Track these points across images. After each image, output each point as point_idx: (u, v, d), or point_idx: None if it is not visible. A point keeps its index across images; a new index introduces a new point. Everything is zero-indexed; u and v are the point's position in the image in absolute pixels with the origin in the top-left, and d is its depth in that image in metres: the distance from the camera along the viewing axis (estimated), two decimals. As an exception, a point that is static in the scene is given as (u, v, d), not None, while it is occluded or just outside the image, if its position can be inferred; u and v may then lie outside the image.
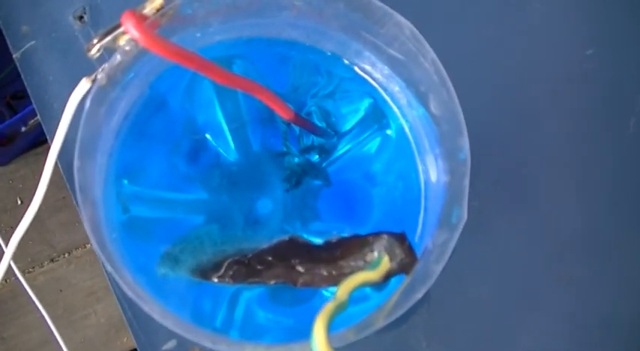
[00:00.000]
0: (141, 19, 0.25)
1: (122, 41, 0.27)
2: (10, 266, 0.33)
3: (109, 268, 0.25)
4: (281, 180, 0.34)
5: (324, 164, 0.34)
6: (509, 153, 0.38)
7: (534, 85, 0.39)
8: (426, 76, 0.26)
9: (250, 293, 0.33)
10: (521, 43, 0.39)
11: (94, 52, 0.28)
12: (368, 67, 0.30)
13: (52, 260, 0.85)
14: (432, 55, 0.25)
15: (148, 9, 0.26)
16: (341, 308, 0.25)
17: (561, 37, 0.39)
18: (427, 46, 0.25)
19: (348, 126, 0.34)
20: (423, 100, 0.27)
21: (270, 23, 0.29)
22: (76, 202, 0.27)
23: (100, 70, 0.28)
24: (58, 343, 0.47)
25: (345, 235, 0.32)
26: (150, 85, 0.32)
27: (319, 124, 0.34)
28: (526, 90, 0.39)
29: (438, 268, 0.24)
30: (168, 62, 0.26)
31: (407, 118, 0.31)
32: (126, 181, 0.33)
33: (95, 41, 0.28)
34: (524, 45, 0.39)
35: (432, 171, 0.29)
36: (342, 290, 0.25)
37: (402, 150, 0.33)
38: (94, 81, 0.29)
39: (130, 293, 0.24)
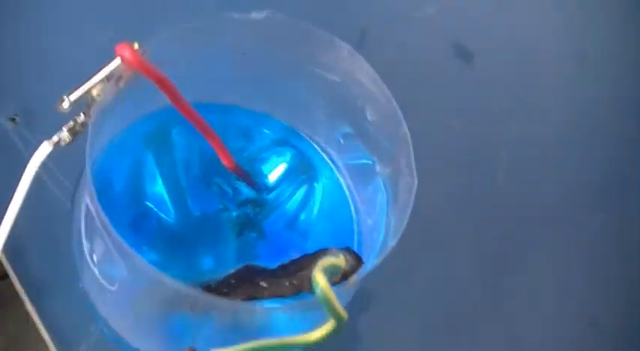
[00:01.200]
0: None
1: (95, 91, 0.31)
2: None
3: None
4: (225, 234, 0.38)
5: (258, 217, 0.39)
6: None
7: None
8: (363, 88, 0.32)
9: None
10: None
11: (67, 106, 0.32)
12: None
13: None
14: (368, 68, 0.31)
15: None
16: (333, 270, 0.29)
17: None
18: (363, 61, 0.31)
19: (277, 180, 0.39)
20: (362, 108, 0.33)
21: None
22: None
23: (62, 131, 0.31)
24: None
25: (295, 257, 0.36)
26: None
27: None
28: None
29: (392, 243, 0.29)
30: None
31: (337, 165, 0.37)
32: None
33: (65, 97, 0.32)
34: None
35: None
36: (325, 261, 0.30)
37: (332, 195, 0.38)
38: (56, 143, 0.33)
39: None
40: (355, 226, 0.37)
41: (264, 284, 0.33)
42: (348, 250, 0.34)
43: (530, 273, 0.44)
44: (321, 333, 0.29)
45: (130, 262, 0.28)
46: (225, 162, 0.35)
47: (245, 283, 0.34)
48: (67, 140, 0.31)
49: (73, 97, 0.30)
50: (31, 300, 0.37)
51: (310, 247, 0.37)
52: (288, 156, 0.38)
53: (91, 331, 0.36)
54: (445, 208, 0.45)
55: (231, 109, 0.37)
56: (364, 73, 0.31)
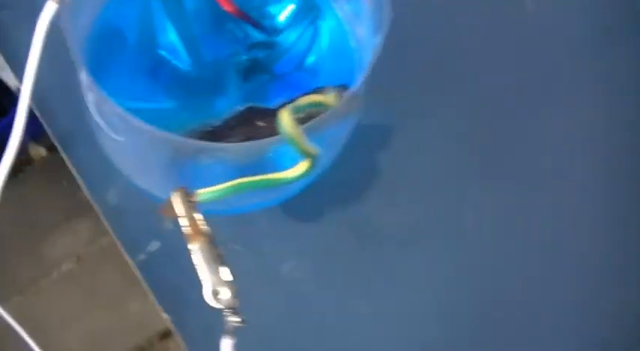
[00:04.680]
0: None
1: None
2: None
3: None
4: (235, 78, 0.39)
5: (268, 59, 0.39)
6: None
7: None
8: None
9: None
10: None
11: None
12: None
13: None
14: None
15: None
16: (298, 111, 0.30)
17: None
18: None
19: (284, 22, 0.39)
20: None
21: None
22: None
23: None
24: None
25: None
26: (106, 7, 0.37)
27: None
28: None
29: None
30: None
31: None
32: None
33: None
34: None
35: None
36: (304, 99, 0.30)
37: (336, 33, 0.38)
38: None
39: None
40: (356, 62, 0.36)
41: (261, 124, 0.34)
42: (344, 87, 0.34)
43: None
44: (297, 171, 0.29)
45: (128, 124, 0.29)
46: (224, 6, 0.35)
47: (244, 124, 0.35)
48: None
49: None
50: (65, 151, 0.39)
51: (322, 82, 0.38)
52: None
53: (118, 178, 0.37)
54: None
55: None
56: None
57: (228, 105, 0.38)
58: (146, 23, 0.39)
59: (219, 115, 0.37)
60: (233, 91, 0.38)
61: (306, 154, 0.28)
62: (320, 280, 0.39)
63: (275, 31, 0.39)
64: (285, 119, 0.27)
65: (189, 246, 0.29)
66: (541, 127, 0.43)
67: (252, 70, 0.39)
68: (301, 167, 0.29)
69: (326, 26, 0.38)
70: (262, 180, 0.30)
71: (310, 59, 0.39)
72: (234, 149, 0.30)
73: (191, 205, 0.29)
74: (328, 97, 0.31)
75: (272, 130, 0.33)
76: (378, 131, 0.41)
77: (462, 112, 0.43)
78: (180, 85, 0.38)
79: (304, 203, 0.39)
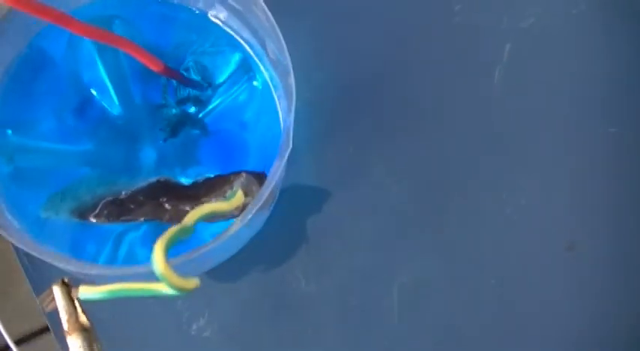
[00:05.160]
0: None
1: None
2: None
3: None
4: (159, 130, 0.37)
5: (200, 115, 0.37)
6: (385, 100, 0.41)
7: (407, 35, 0.42)
8: (260, 23, 0.29)
9: (135, 234, 0.36)
10: None
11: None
12: (226, 28, 0.33)
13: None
14: (261, 4, 0.28)
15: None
16: (185, 233, 0.28)
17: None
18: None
19: (221, 78, 0.37)
20: (263, 45, 0.30)
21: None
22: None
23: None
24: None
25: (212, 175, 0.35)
26: (29, 43, 0.35)
27: (195, 77, 0.37)
28: (400, 40, 0.42)
29: (267, 191, 0.27)
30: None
31: (268, 70, 0.34)
32: (10, 132, 0.35)
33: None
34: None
35: (280, 109, 0.32)
36: (190, 216, 0.28)
37: (266, 99, 0.36)
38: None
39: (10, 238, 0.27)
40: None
41: (167, 206, 0.33)
42: (260, 178, 0.33)
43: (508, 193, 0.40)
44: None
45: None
46: (152, 67, 0.33)
47: (151, 201, 0.33)
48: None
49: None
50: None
51: (251, 150, 0.37)
52: (235, 55, 0.35)
53: None
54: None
55: (168, 3, 0.34)
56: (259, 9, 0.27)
57: (149, 160, 0.36)
58: (76, 56, 0.36)
59: (135, 172, 0.36)
60: (161, 145, 0.36)
61: (181, 290, 0.27)
62: (230, 342, 0.39)
63: (209, 86, 0.36)
64: (157, 256, 0.26)
65: (68, 340, 0.28)
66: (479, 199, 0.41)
67: (181, 124, 0.37)
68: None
69: (258, 87, 0.35)
70: (144, 289, 0.29)
71: (242, 117, 0.37)
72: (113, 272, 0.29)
73: (71, 300, 0.28)
74: (222, 205, 0.30)
75: (175, 215, 0.31)
76: (306, 192, 0.39)
77: (397, 174, 0.41)
78: (103, 127, 0.37)
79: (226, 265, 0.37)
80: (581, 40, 0.43)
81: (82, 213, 0.34)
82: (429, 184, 0.42)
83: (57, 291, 0.29)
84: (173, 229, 0.27)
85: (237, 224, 0.28)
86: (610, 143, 0.41)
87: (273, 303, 0.40)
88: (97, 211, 0.33)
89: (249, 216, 0.27)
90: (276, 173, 0.27)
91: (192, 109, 0.37)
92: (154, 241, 0.35)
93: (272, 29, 0.27)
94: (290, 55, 0.30)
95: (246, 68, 0.36)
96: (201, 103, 0.37)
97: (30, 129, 0.36)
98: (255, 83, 0.36)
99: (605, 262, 0.41)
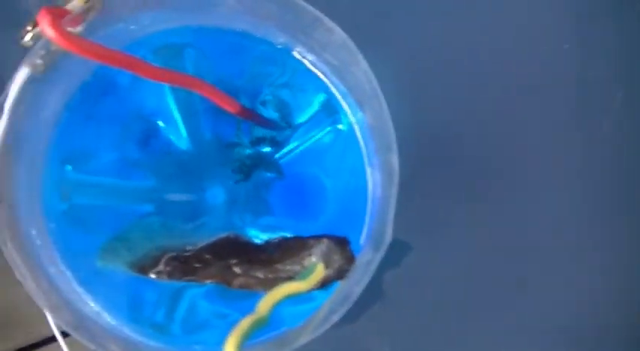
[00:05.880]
0: (59, 16, 0.23)
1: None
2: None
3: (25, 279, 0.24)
4: (231, 171, 0.33)
5: (276, 156, 0.33)
6: (471, 153, 0.37)
7: (507, 79, 0.37)
8: (359, 85, 0.25)
9: (199, 290, 0.33)
10: (496, 35, 0.37)
11: (27, 39, 0.27)
12: (312, 67, 0.29)
13: None
14: (365, 65, 0.23)
15: (75, 1, 0.25)
16: (260, 323, 0.24)
17: (538, 31, 0.37)
18: (359, 55, 0.23)
19: (301, 119, 0.33)
20: (360, 107, 0.26)
21: (212, 16, 0.28)
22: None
23: (37, 55, 0.27)
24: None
25: (288, 235, 0.31)
26: (93, 72, 0.31)
27: (273, 114, 0.33)
28: (498, 84, 0.37)
29: (358, 290, 0.23)
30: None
31: (356, 117, 0.30)
32: (69, 168, 0.32)
33: (29, 28, 0.27)
34: (499, 37, 0.37)
35: (372, 179, 0.28)
36: (264, 303, 0.25)
37: (352, 147, 0.32)
38: (33, 66, 0.28)
39: (42, 304, 0.24)
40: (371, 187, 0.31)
41: (237, 270, 0.29)
42: (342, 245, 0.29)
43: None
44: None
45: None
46: (229, 109, 0.29)
47: (219, 262, 0.30)
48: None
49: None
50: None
51: (330, 198, 0.34)
52: (319, 95, 0.31)
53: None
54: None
55: (247, 35, 0.30)
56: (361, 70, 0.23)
57: (217, 202, 0.33)
58: (143, 84, 0.33)
59: (201, 215, 0.32)
60: (231, 185, 0.32)
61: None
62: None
63: (290, 126, 0.32)
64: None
65: None
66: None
67: (254, 166, 0.33)
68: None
69: (343, 131, 0.31)
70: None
71: (322, 162, 0.33)
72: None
73: None
74: (299, 285, 0.26)
75: (246, 282, 0.28)
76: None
77: (481, 230, 0.38)
78: (168, 162, 0.33)
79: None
80: None
81: (142, 267, 0.30)
82: (518, 241, 0.38)
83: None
84: (246, 322, 0.24)
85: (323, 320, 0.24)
86: None
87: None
88: (158, 268, 0.30)
89: (335, 318, 0.23)
90: (367, 269, 0.23)
91: (267, 149, 0.33)
92: (219, 297, 0.31)
93: (374, 94, 0.23)
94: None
95: (331, 110, 0.32)
96: (277, 143, 0.33)
97: (89, 163, 0.33)
98: (339, 127, 0.31)
99: None
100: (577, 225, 0.37)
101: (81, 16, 0.25)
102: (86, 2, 0.25)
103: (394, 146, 0.24)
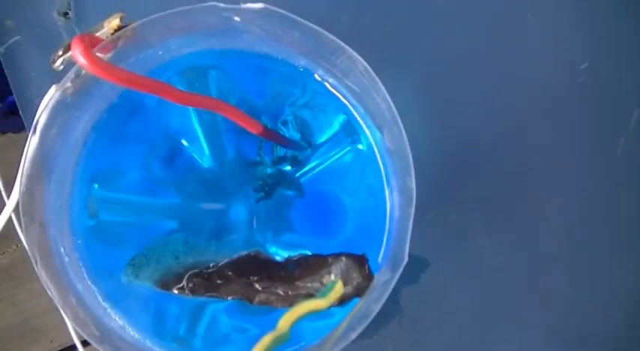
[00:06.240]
0: (91, 44, 0.24)
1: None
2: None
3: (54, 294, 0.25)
4: (253, 190, 0.34)
5: (297, 175, 0.34)
6: (493, 166, 0.37)
7: (522, 101, 0.38)
8: (379, 111, 0.25)
9: (220, 305, 0.34)
10: (513, 55, 0.38)
11: (58, 64, 0.28)
12: (333, 89, 0.30)
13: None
14: (384, 92, 0.24)
15: (105, 29, 0.26)
16: (281, 340, 0.25)
17: (554, 50, 0.38)
18: (379, 83, 0.24)
19: (322, 138, 0.34)
20: (379, 130, 0.27)
21: (237, 41, 0.29)
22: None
23: (68, 79, 0.28)
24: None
25: (309, 253, 0.32)
26: (121, 94, 0.32)
27: (294, 134, 0.34)
28: (513, 106, 0.38)
29: (376, 308, 0.24)
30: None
31: (375, 137, 0.31)
32: (96, 186, 0.33)
33: (60, 53, 0.28)
34: (516, 56, 0.38)
35: (390, 200, 0.29)
36: (284, 321, 0.26)
37: (371, 167, 0.32)
38: (63, 90, 0.29)
39: (70, 319, 0.24)
40: (389, 207, 0.32)
41: (257, 286, 0.30)
42: (361, 263, 0.29)
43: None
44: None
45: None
46: (251, 130, 0.30)
47: (240, 278, 0.31)
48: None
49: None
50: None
51: (350, 216, 0.34)
52: (339, 116, 0.32)
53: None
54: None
55: (269, 57, 0.31)
56: (381, 96, 0.24)
57: (239, 219, 0.33)
58: (168, 105, 0.34)
59: (223, 232, 0.33)
60: (252, 203, 0.33)
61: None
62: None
63: (311, 145, 0.33)
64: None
65: None
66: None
67: (276, 185, 0.34)
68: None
69: (363, 151, 0.32)
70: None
71: (342, 180, 0.34)
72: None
73: None
74: (319, 303, 0.27)
75: (266, 299, 0.29)
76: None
77: (500, 245, 0.38)
78: (191, 180, 0.34)
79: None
80: None
81: (165, 283, 0.31)
82: (534, 257, 0.38)
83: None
84: (267, 339, 0.24)
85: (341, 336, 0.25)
86: None
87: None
88: (181, 284, 0.31)
89: (354, 335, 0.24)
90: (385, 288, 0.24)
91: (288, 168, 0.34)
92: (239, 312, 0.32)
93: (393, 120, 0.24)
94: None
95: (350, 131, 0.33)
96: (298, 162, 0.34)
97: (116, 181, 0.34)
98: (359, 146, 0.32)
99: None
100: (597, 241, 0.38)
101: (111, 44, 0.26)
102: (117, 31, 0.26)
103: (412, 170, 0.24)
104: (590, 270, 0.37)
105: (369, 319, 0.24)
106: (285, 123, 0.34)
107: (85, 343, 0.52)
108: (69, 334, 0.48)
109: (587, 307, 0.38)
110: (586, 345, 0.37)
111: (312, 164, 0.34)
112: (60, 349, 0.86)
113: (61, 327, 0.49)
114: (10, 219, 0.38)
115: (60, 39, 0.37)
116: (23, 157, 0.27)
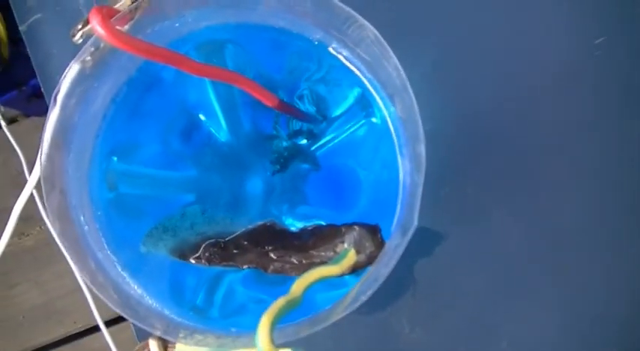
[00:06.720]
0: (109, 15, 0.25)
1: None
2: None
3: (72, 260, 0.26)
4: (269, 163, 0.34)
5: (312, 148, 0.35)
6: (510, 143, 0.37)
7: (539, 75, 0.38)
8: (390, 79, 0.26)
9: (236, 275, 0.34)
10: (526, 31, 0.38)
11: (78, 37, 0.29)
12: (347, 62, 0.30)
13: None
14: (395, 60, 0.25)
15: (123, 1, 0.26)
16: (294, 304, 0.26)
17: (568, 25, 0.38)
18: (390, 51, 0.25)
19: (337, 112, 0.34)
20: (391, 101, 0.27)
21: (252, 14, 0.29)
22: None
23: (87, 52, 0.28)
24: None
25: (323, 223, 0.32)
26: (139, 67, 0.33)
27: (310, 108, 0.34)
28: (530, 80, 0.38)
29: (386, 272, 0.24)
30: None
31: (389, 110, 0.31)
32: (115, 159, 0.33)
33: (79, 27, 0.29)
34: (529, 33, 0.38)
35: (402, 169, 0.29)
36: (297, 286, 0.26)
37: (385, 140, 0.33)
38: (83, 62, 0.30)
39: (88, 282, 0.25)
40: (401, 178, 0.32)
41: (272, 255, 0.31)
42: (374, 232, 0.30)
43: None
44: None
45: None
46: (267, 102, 0.31)
47: (256, 248, 0.31)
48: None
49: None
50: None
51: (364, 189, 0.35)
52: (354, 90, 0.33)
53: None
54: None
55: (285, 31, 0.32)
56: (392, 65, 0.24)
57: (255, 192, 0.34)
58: (186, 79, 0.34)
59: (240, 204, 0.33)
60: (268, 176, 0.34)
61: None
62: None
63: (324, 120, 0.34)
64: (262, 334, 0.24)
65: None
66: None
67: (291, 158, 0.34)
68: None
69: (377, 124, 0.32)
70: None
71: (356, 154, 0.34)
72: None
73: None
74: (332, 269, 0.27)
75: (281, 268, 0.29)
76: (418, 234, 0.36)
77: (516, 219, 0.38)
78: (209, 153, 0.35)
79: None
80: None
81: (183, 253, 0.32)
82: (550, 233, 0.38)
83: (153, 345, 0.28)
84: (280, 302, 0.25)
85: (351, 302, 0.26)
86: None
87: (375, 349, 0.37)
88: (198, 254, 0.31)
89: (364, 298, 0.24)
90: (395, 252, 0.24)
91: (304, 142, 0.34)
92: (255, 282, 0.33)
93: (403, 88, 0.24)
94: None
95: (365, 104, 0.33)
96: (314, 136, 0.34)
97: (134, 154, 0.34)
98: (373, 120, 0.33)
99: None
100: (615, 217, 0.38)
101: (129, 15, 0.26)
102: (134, 2, 0.26)
103: (422, 136, 0.25)
104: (608, 246, 0.38)
105: (379, 283, 0.25)
106: (301, 97, 0.34)
107: (107, 324, 0.53)
108: (92, 315, 0.49)
109: (605, 284, 0.38)
110: (603, 322, 0.37)
111: (327, 138, 0.34)
112: (83, 329, 0.87)
113: (85, 308, 0.50)
114: (33, 200, 0.39)
115: (80, 16, 0.38)
116: (45, 125, 0.28)
